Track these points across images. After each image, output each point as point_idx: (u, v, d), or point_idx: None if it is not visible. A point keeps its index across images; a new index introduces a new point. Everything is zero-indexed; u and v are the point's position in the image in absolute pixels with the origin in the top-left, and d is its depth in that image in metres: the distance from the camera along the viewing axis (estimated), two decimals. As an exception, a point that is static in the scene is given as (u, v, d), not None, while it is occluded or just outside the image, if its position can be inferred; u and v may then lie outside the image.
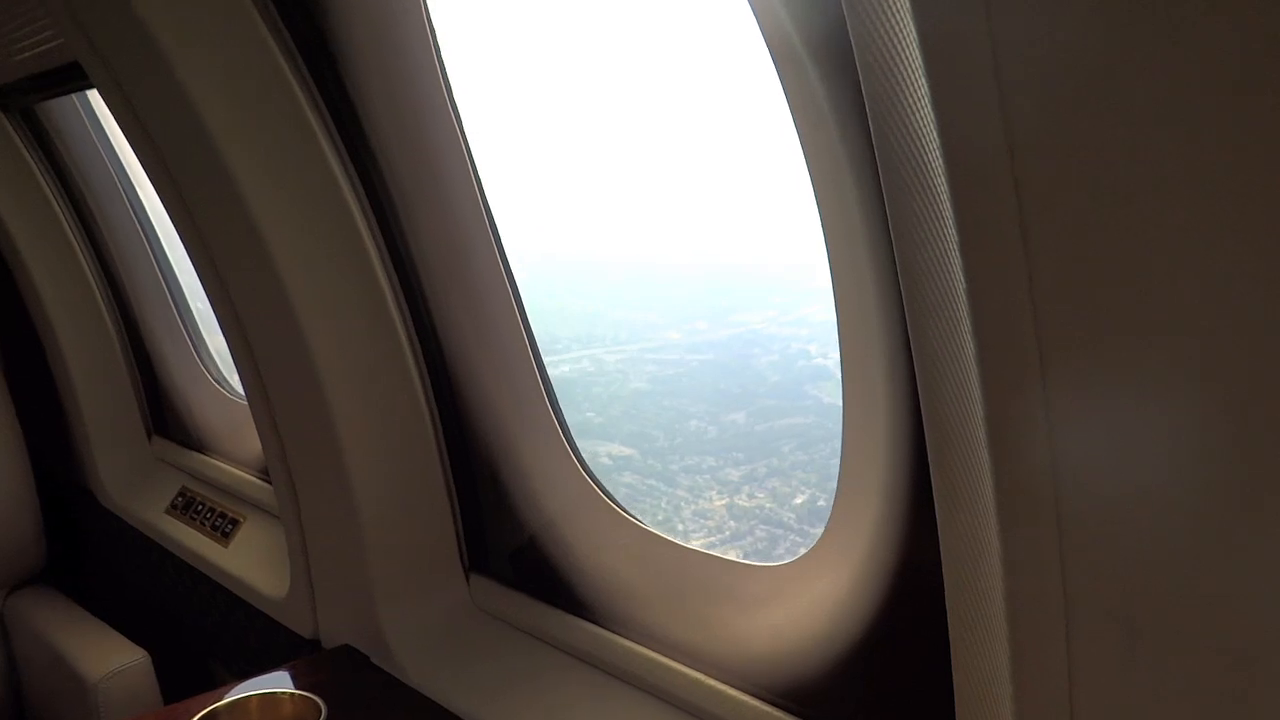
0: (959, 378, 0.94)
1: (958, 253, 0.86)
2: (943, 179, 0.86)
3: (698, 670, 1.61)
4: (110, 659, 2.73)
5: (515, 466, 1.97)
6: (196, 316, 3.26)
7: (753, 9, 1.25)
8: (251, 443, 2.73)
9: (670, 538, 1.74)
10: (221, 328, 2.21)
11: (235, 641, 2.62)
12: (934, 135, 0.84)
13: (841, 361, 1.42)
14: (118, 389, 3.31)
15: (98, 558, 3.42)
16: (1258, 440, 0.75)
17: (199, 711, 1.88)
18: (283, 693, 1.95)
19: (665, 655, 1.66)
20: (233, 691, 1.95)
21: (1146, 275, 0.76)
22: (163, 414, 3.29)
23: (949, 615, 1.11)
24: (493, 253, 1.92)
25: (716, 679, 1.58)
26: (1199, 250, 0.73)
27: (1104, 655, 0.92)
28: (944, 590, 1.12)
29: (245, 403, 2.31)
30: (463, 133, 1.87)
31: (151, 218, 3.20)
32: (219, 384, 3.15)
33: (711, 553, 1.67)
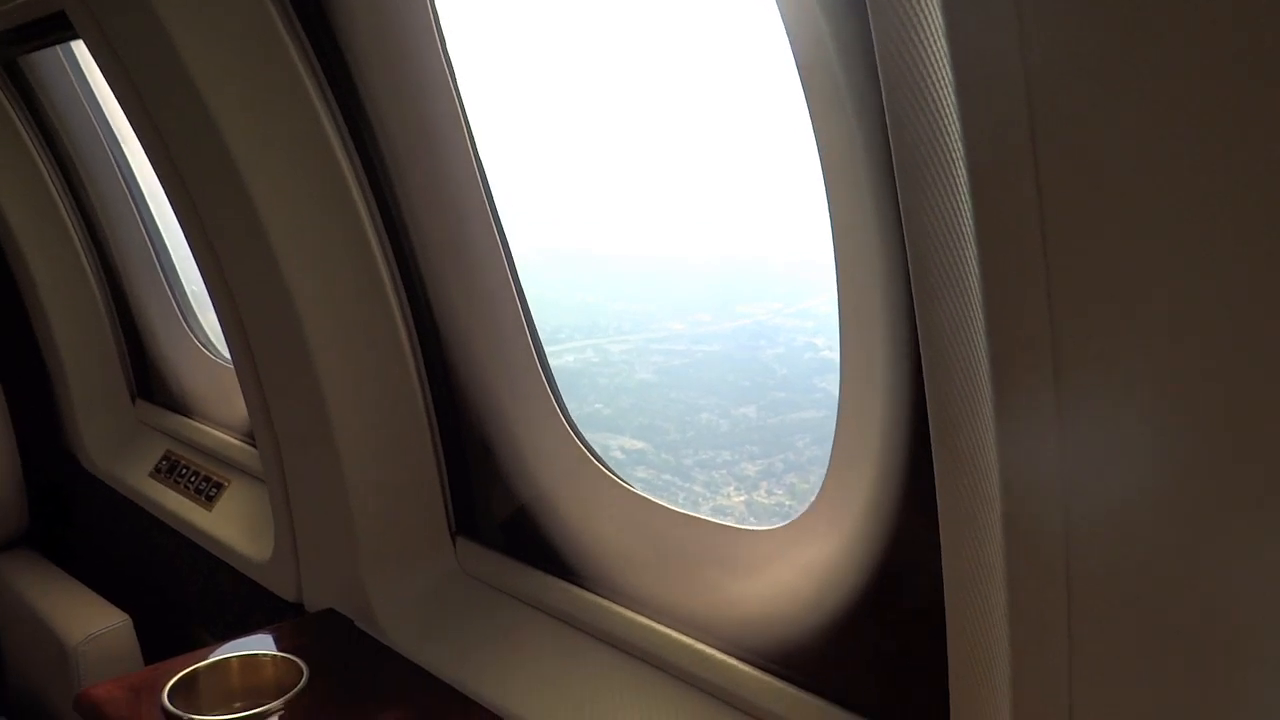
0: (968, 368, 0.92)
1: (975, 256, 0.85)
2: (963, 176, 0.84)
3: (687, 635, 1.59)
4: (91, 622, 2.71)
5: (505, 430, 1.95)
6: (183, 280, 3.22)
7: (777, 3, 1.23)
8: (237, 406, 2.70)
9: (660, 501, 1.72)
10: (208, 290, 2.18)
11: (218, 605, 2.60)
12: (957, 129, 0.83)
13: (840, 329, 1.40)
14: (102, 352, 3.27)
15: (81, 521, 3.39)
16: (1261, 447, 0.75)
17: (180, 672, 1.86)
18: (264, 655, 1.94)
19: (654, 620, 1.64)
20: (214, 653, 1.94)
21: (1164, 281, 0.76)
22: (147, 377, 3.25)
23: (945, 582, 1.10)
24: (488, 220, 1.89)
25: (706, 644, 1.56)
26: (1215, 259, 0.73)
27: (1104, 634, 0.90)
28: (939, 555, 1.10)
29: (231, 366, 2.28)
30: (459, 97, 1.83)
31: (138, 178, 3.15)
32: (204, 347, 3.11)
33: (702, 516, 1.65)
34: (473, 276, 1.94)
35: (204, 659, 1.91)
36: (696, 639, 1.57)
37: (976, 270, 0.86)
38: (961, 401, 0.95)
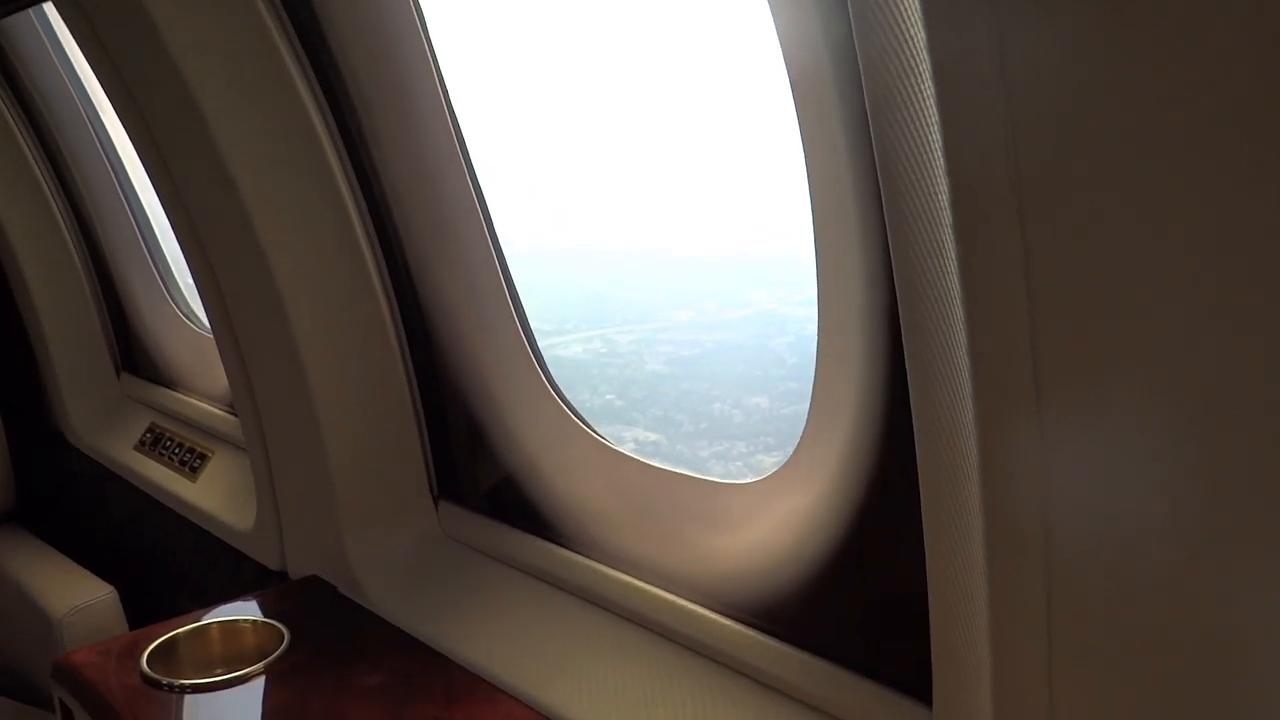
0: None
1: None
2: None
3: (668, 591, 1.57)
4: (77, 594, 2.70)
5: (486, 392, 1.92)
6: (166, 253, 3.19)
7: (772, 12, 1.22)
8: (221, 377, 2.67)
9: (639, 457, 1.70)
10: (186, 260, 2.16)
11: (203, 575, 2.59)
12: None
13: (817, 275, 1.38)
14: (86, 328, 3.24)
15: (67, 496, 3.37)
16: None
17: (160, 637, 1.85)
18: (245, 620, 1.93)
19: (636, 577, 1.63)
20: (195, 619, 1.92)
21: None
22: (132, 351, 3.23)
23: (925, 531, 1.09)
24: (466, 184, 1.87)
25: (686, 599, 1.54)
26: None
27: (1079, 590, 0.89)
28: (918, 504, 1.09)
29: (213, 337, 2.26)
30: (433, 54, 1.80)
31: (119, 150, 3.11)
32: (188, 319, 3.08)
33: (682, 472, 1.63)
34: (452, 241, 1.91)
35: (184, 625, 1.90)
36: (677, 594, 1.56)
37: (960, 306, 0.87)
38: (939, 361, 0.96)
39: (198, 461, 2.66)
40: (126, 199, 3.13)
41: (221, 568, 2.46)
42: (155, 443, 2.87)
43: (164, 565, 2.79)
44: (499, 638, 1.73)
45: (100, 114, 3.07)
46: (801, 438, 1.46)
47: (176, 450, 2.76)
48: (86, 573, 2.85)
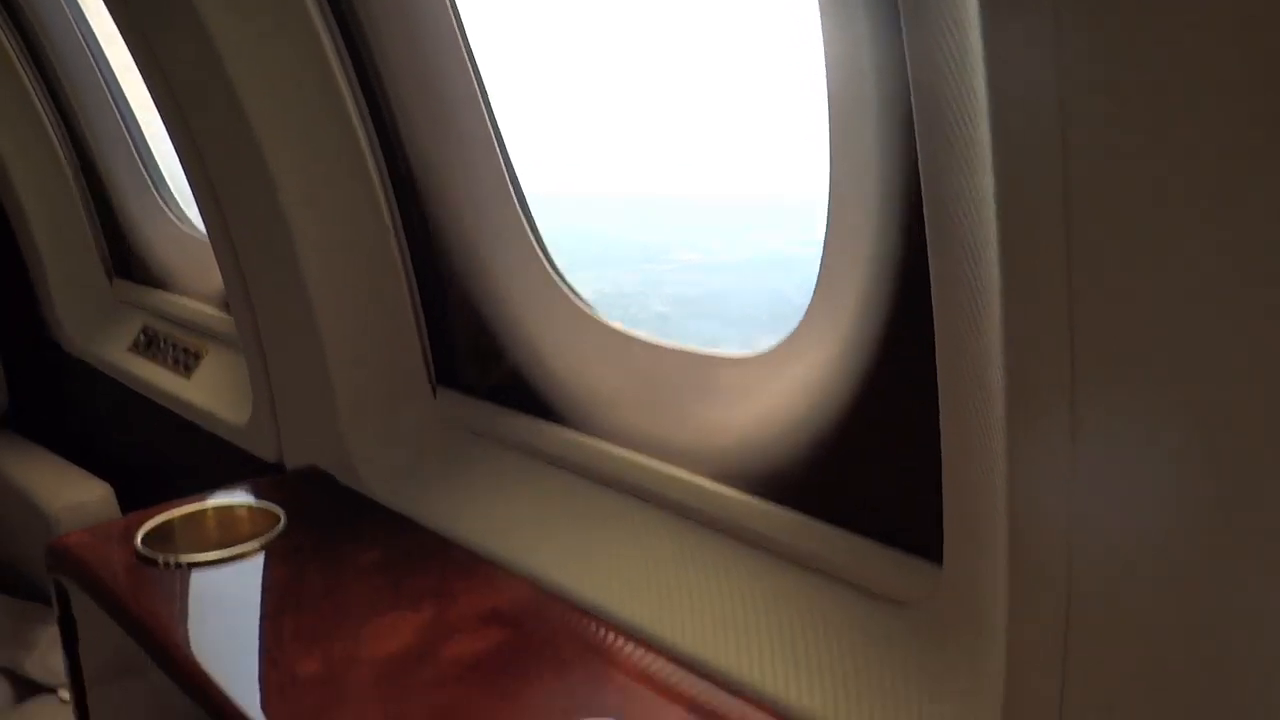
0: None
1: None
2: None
3: (673, 465, 1.54)
4: (73, 493, 2.68)
5: (482, 275, 1.88)
6: (156, 156, 3.12)
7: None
8: (213, 278, 2.63)
9: (643, 335, 1.66)
10: (180, 158, 2.10)
11: (200, 471, 2.57)
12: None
13: (829, 130, 1.33)
14: (76, 234, 3.20)
15: (62, 403, 3.35)
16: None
17: (155, 519, 1.83)
18: (240, 505, 1.90)
19: (640, 452, 1.60)
20: (190, 504, 1.90)
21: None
22: (124, 256, 3.18)
23: (940, 398, 1.06)
24: (465, 66, 1.80)
25: (692, 471, 1.51)
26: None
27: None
28: (932, 362, 1.07)
29: (205, 238, 2.21)
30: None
31: (105, 49, 3.03)
32: (180, 221, 3.03)
33: (685, 347, 1.59)
34: (449, 124, 1.86)
35: (179, 510, 1.87)
36: (683, 467, 1.53)
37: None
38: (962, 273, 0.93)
39: (191, 360, 2.63)
40: (116, 103, 3.06)
41: (218, 463, 2.44)
42: (149, 344, 2.83)
43: (160, 463, 2.77)
44: (498, 516, 1.71)
45: (86, 13, 2.98)
46: (809, 305, 1.43)
47: (170, 350, 2.72)
48: (82, 471, 2.83)
